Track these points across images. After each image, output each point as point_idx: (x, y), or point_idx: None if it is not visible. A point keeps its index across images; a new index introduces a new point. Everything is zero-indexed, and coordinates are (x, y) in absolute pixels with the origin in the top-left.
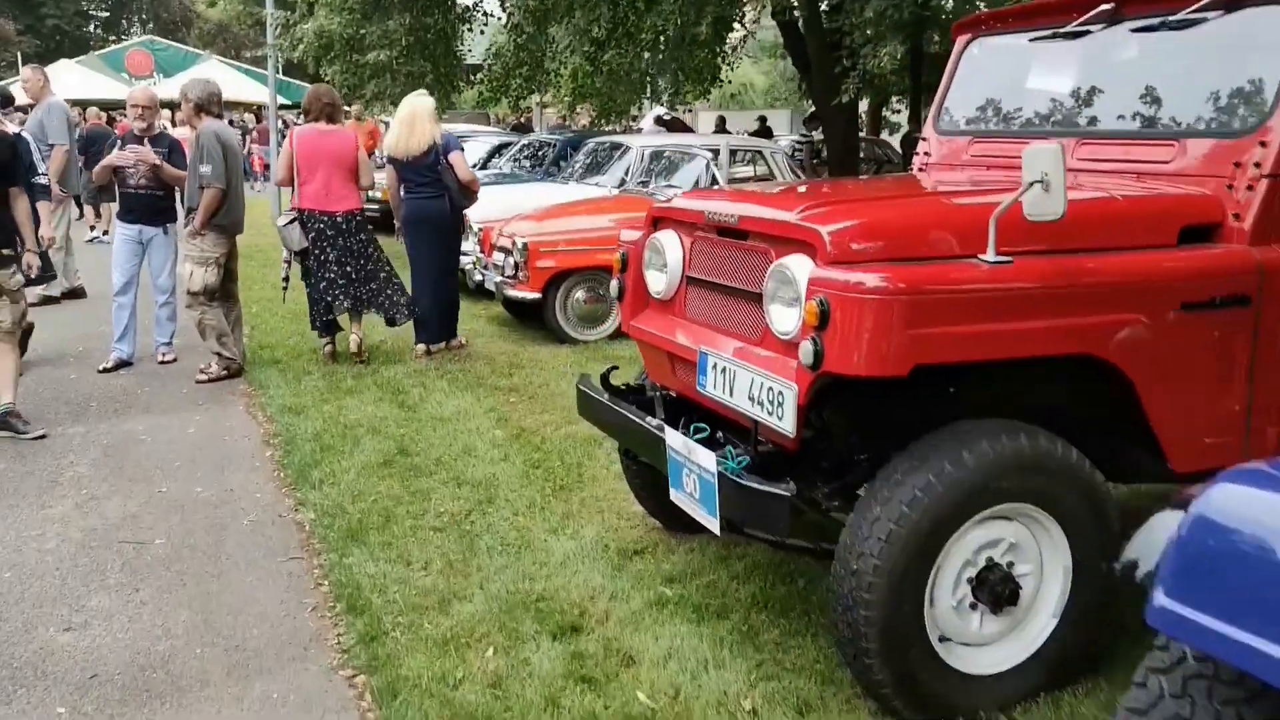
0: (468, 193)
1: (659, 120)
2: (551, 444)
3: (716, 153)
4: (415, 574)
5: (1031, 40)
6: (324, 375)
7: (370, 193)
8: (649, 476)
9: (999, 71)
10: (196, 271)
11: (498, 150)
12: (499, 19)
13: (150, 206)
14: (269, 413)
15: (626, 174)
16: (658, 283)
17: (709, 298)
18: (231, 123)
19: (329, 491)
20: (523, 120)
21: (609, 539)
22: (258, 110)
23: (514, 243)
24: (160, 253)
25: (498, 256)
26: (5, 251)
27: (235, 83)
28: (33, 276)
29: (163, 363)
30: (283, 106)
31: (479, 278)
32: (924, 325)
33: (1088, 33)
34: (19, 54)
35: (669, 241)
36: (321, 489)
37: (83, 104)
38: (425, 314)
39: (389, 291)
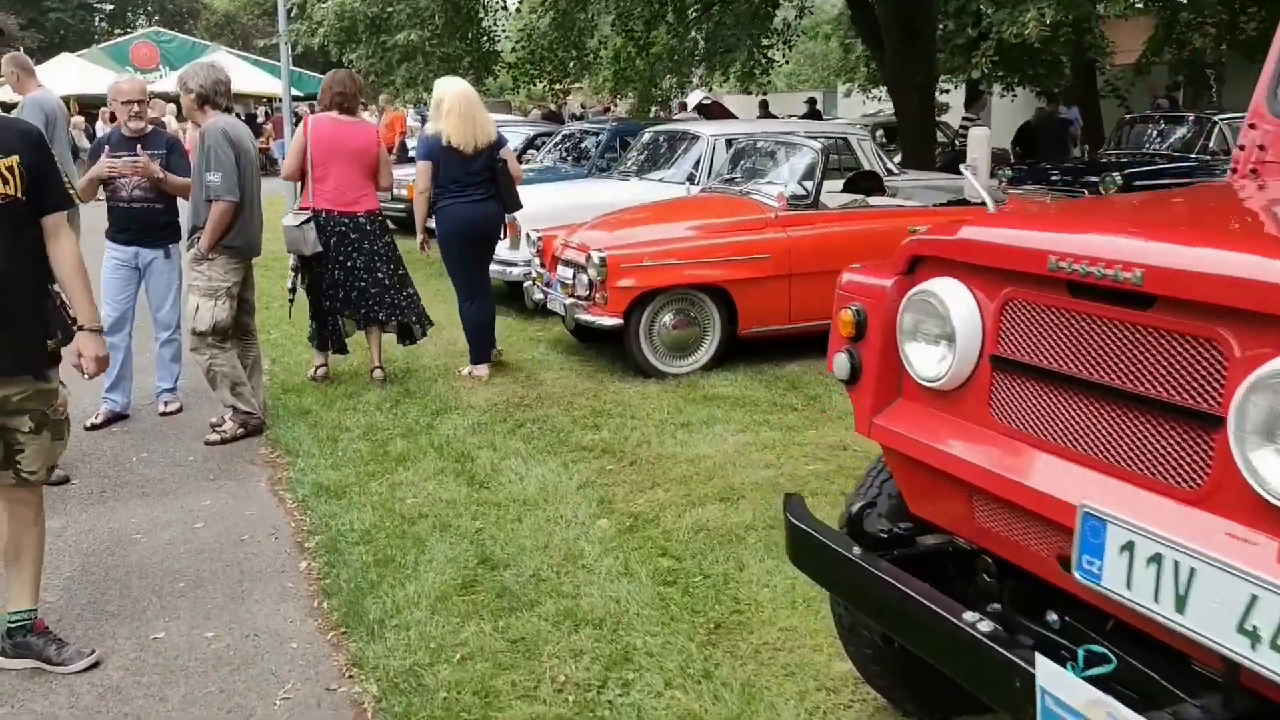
0: (517, 194)
1: (699, 106)
2: (679, 542)
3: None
4: None
5: None
6: (365, 430)
7: (395, 191)
8: (884, 647)
9: None
10: (204, 306)
11: (533, 142)
12: None
13: (148, 223)
14: (300, 495)
15: (696, 168)
16: (930, 362)
17: (1046, 396)
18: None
19: (394, 644)
20: (555, 108)
21: None
22: (270, 102)
23: (588, 257)
24: (161, 279)
25: (564, 272)
26: (49, 343)
27: (245, 74)
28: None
29: (165, 414)
30: (296, 98)
31: (539, 296)
32: None
33: None
34: (21, 49)
35: (954, 297)
36: (383, 638)
37: (91, 101)
38: (480, 331)
39: (418, 300)
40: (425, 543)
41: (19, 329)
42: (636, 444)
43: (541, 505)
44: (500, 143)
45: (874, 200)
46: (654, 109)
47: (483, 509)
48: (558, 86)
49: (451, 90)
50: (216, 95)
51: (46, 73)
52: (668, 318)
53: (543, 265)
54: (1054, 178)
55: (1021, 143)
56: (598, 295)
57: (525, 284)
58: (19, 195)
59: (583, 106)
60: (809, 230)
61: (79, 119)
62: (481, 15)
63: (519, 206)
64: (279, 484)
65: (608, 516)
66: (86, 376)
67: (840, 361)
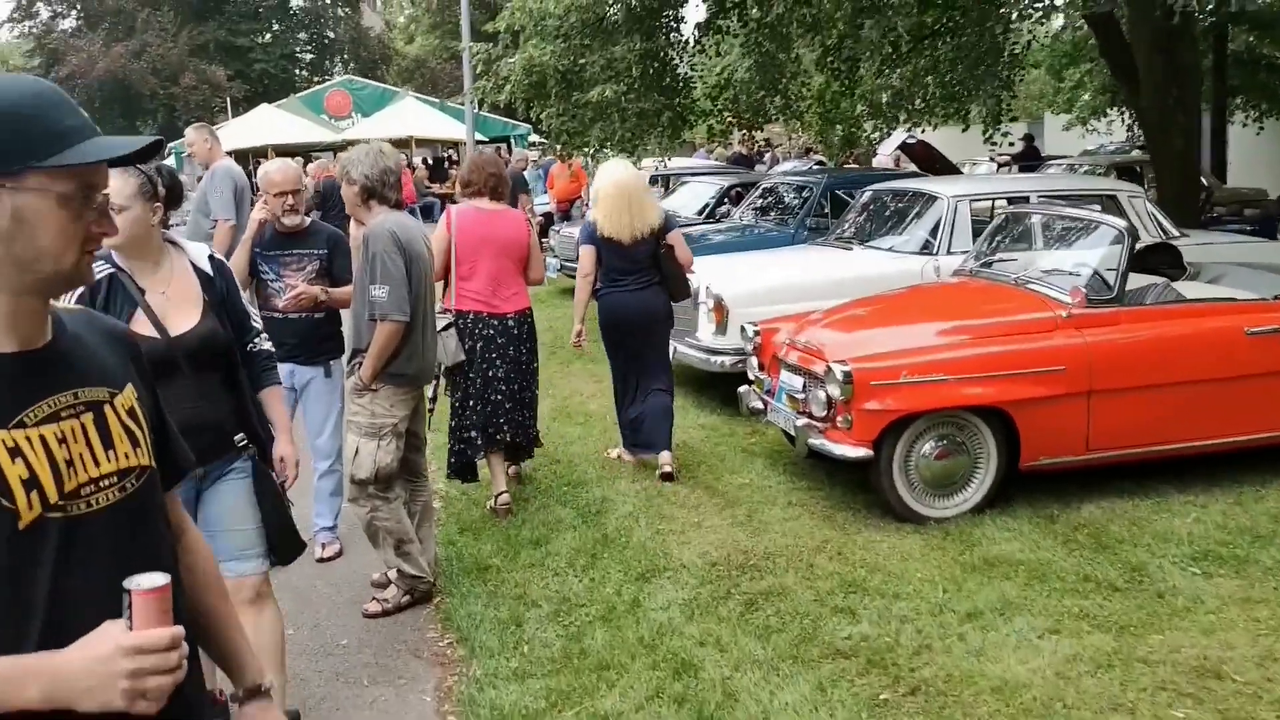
0: (685, 282)
1: (903, 145)
2: None
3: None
4: None
5: None
6: (555, 607)
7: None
8: None
9: None
10: (364, 449)
11: (727, 194)
12: (734, 36)
13: (306, 336)
14: (482, 717)
15: (934, 236)
16: None
17: None
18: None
19: None
20: (747, 151)
21: None
22: (456, 147)
23: (828, 370)
24: (321, 402)
25: (791, 380)
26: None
27: (432, 120)
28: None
29: (322, 560)
30: (480, 142)
31: (757, 405)
32: None
33: None
34: (228, 99)
35: None
36: None
37: (287, 150)
38: (635, 430)
39: (534, 422)
40: None
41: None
42: (913, 650)
43: None
44: (666, 226)
45: (1186, 288)
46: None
47: None
48: (757, 133)
49: (606, 178)
50: (385, 188)
51: (246, 123)
52: (928, 446)
53: (762, 366)
54: None
55: None
56: (839, 418)
57: (741, 389)
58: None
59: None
60: (1114, 333)
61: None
62: (676, 62)
63: (687, 295)
64: (447, 697)
65: None
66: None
67: None
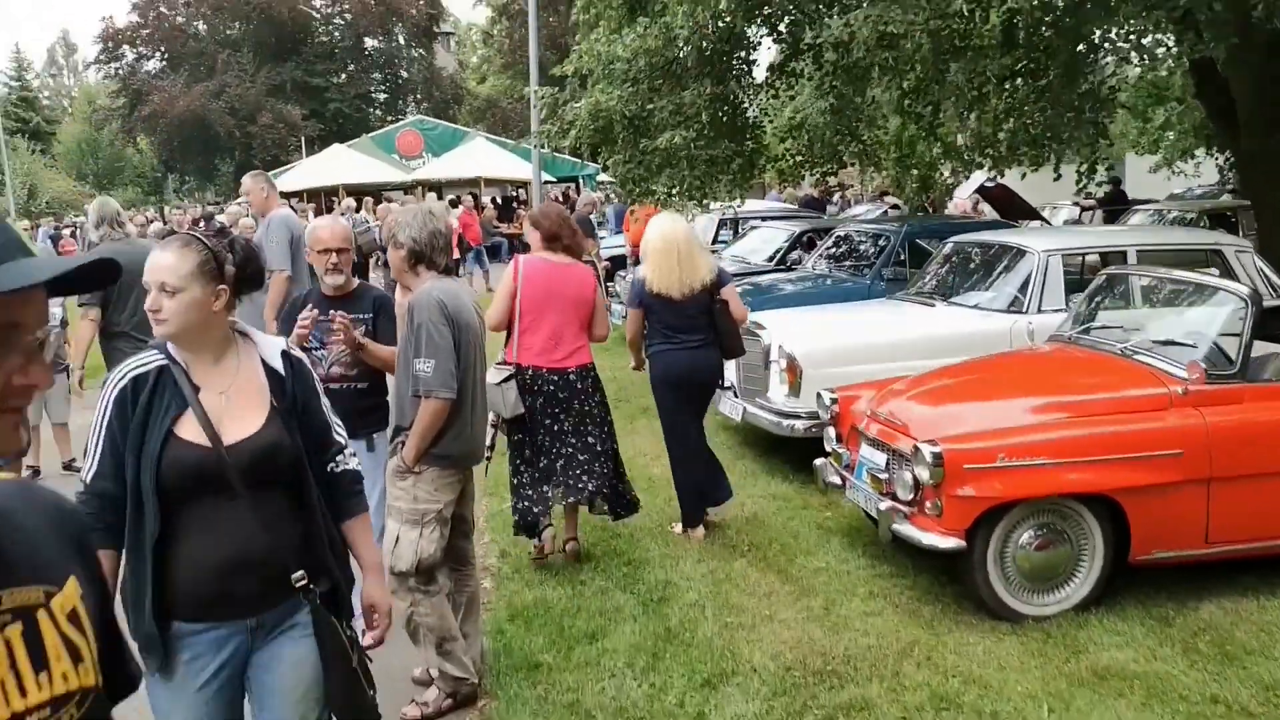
0: (739, 339)
1: (980, 189)
2: None
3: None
4: None
5: None
6: (610, 711)
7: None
8: None
9: None
10: (405, 538)
11: (799, 240)
12: (808, 79)
13: (350, 406)
14: None
15: (1023, 293)
16: None
17: None
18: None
19: None
20: (819, 194)
21: None
22: (525, 187)
23: (916, 450)
24: (365, 477)
25: (872, 456)
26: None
27: (502, 160)
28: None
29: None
30: (548, 182)
31: (834, 480)
32: None
33: None
34: (303, 138)
35: None
36: None
37: (357, 189)
38: (696, 491)
39: (622, 475)
40: None
41: None
42: None
43: None
44: (720, 281)
45: None
46: (928, 195)
47: None
48: (830, 178)
49: (654, 233)
50: (434, 252)
51: (317, 162)
52: (1027, 535)
53: (840, 438)
54: None
55: None
56: (927, 503)
57: (817, 463)
58: None
59: (840, 185)
60: (1237, 413)
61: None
62: (746, 105)
63: (741, 352)
64: None
65: None
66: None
67: None
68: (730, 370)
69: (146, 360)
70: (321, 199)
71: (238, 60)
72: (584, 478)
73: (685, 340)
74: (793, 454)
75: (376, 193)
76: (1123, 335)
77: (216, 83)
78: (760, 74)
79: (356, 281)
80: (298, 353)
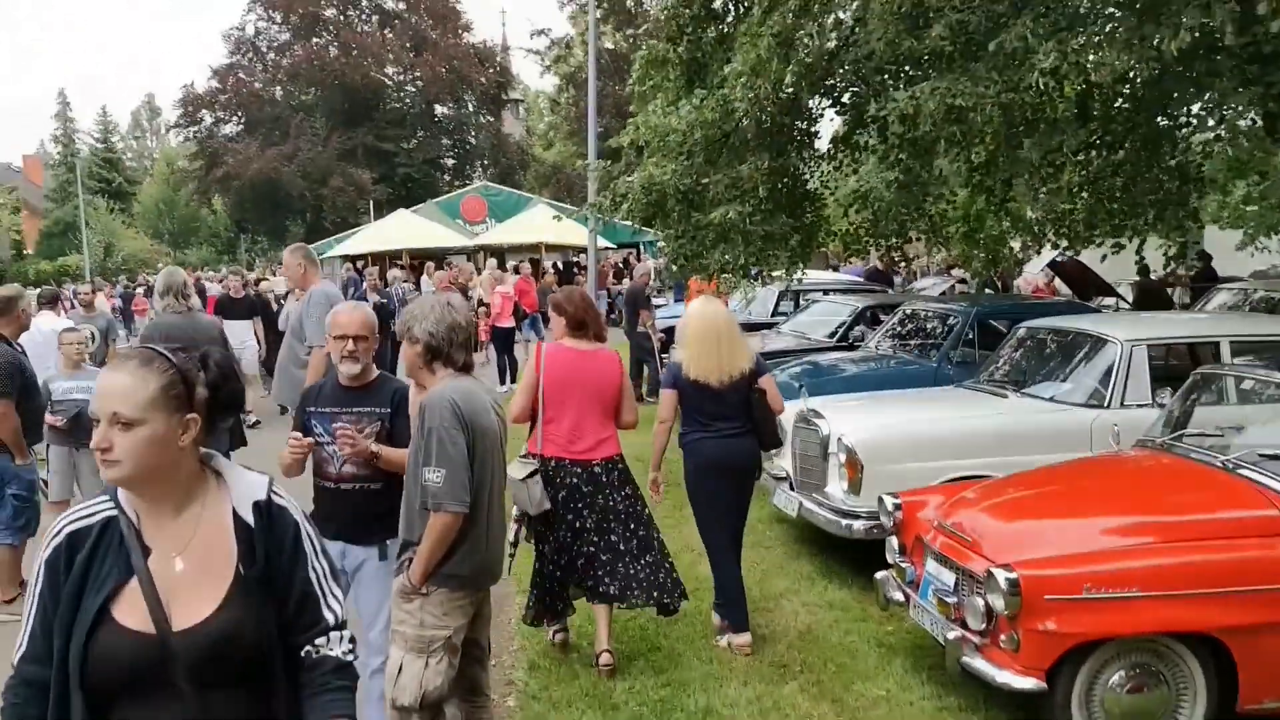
0: (775, 430)
1: (1054, 265)
2: None
3: None
4: None
5: None
6: None
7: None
8: None
9: None
10: (409, 668)
11: (862, 316)
12: (872, 151)
13: (362, 511)
14: None
15: (1105, 386)
16: None
17: None
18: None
19: None
20: (883, 266)
21: None
22: (579, 251)
23: (990, 575)
24: (375, 590)
25: (940, 575)
26: None
27: (564, 226)
28: None
29: None
30: (606, 249)
31: (896, 596)
32: None
33: None
34: (371, 201)
35: None
36: None
37: (419, 254)
38: (737, 591)
39: (667, 565)
40: None
41: None
42: None
43: None
44: (758, 370)
45: None
46: (997, 269)
47: None
48: (895, 252)
49: (694, 316)
50: (452, 348)
51: (381, 227)
52: (1118, 676)
53: (904, 550)
54: None
55: None
56: (1002, 636)
57: (879, 576)
58: None
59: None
60: None
61: (397, 272)
62: (806, 177)
63: (778, 444)
64: None
65: None
66: None
67: None
68: (786, 460)
69: (91, 510)
70: (386, 262)
71: (311, 125)
72: (606, 579)
73: (722, 428)
74: (853, 554)
75: (439, 257)
76: (1223, 444)
77: (290, 146)
78: (822, 145)
79: (376, 372)
80: (281, 499)
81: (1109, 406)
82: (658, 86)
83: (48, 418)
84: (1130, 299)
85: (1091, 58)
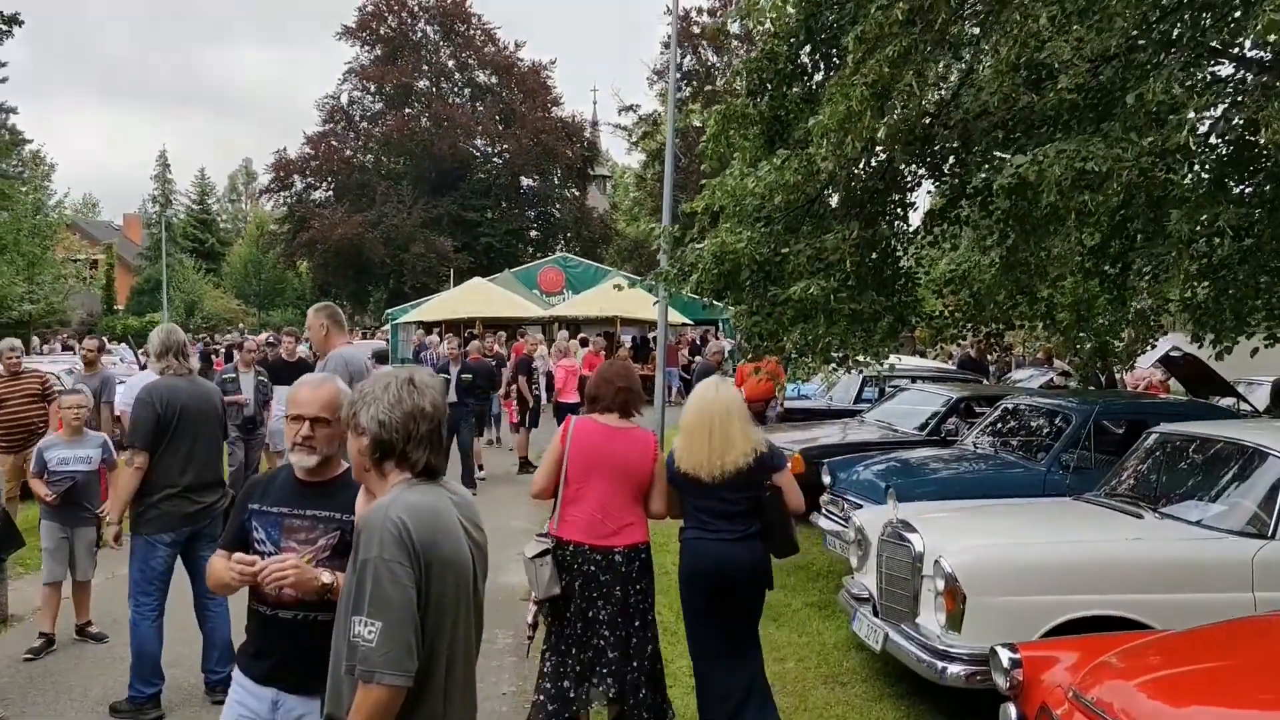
0: (790, 537)
1: (1165, 359)
2: None
3: None
4: None
5: None
6: None
7: None
8: None
9: None
10: None
11: (956, 409)
12: (972, 226)
13: (304, 647)
14: None
15: (1267, 513)
16: None
17: None
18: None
19: None
20: (976, 354)
21: None
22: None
23: None
24: None
25: None
26: None
27: (639, 300)
28: None
29: None
30: (683, 324)
31: None
32: None
33: None
34: (452, 269)
35: None
36: None
37: (493, 323)
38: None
39: (659, 678)
40: None
41: None
42: None
43: None
44: (774, 466)
45: None
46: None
47: None
48: (995, 339)
49: (695, 399)
50: (408, 443)
51: (457, 294)
52: None
53: (1023, 718)
54: None
55: None
56: None
57: None
58: None
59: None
60: None
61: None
62: (899, 253)
63: (793, 550)
64: None
65: None
66: None
67: None
68: (869, 578)
69: None
70: (460, 329)
71: (398, 192)
72: (610, 678)
73: (721, 530)
74: (947, 703)
75: (514, 328)
76: None
77: (375, 212)
78: (916, 217)
79: (344, 466)
80: None
81: (1273, 537)
82: (735, 145)
83: (41, 491)
84: (1254, 401)
85: (1262, 113)
